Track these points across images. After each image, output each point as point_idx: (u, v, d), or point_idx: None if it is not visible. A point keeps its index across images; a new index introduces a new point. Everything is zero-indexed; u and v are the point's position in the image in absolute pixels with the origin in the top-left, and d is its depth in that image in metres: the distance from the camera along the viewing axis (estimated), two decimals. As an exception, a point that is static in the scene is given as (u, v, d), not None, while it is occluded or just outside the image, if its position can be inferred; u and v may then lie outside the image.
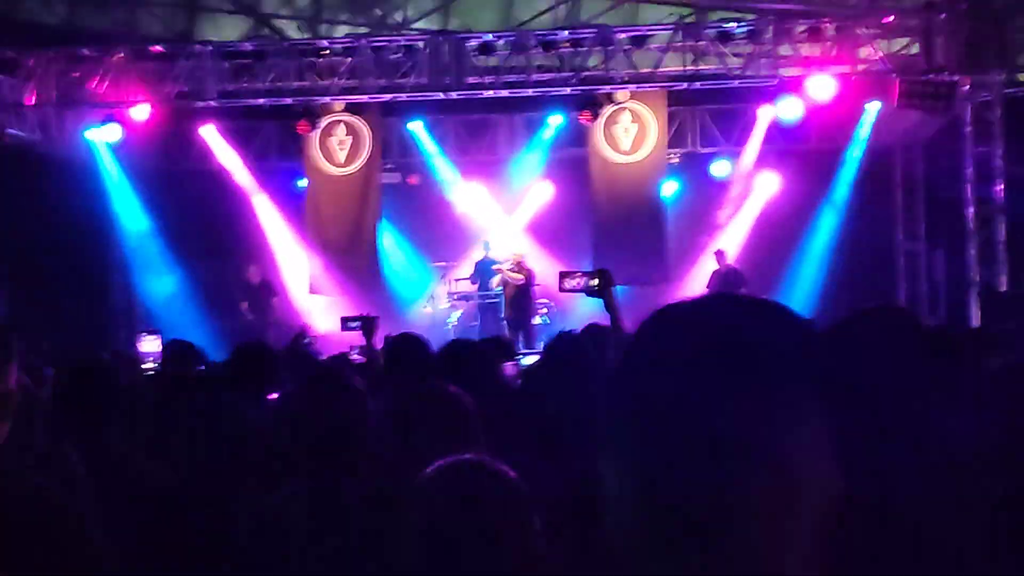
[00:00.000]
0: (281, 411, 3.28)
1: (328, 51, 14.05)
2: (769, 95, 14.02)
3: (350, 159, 15.16)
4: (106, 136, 14.41)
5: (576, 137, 15.37)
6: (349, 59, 13.83)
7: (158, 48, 14.10)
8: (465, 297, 15.91)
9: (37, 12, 15.70)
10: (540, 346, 10.71)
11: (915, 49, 13.21)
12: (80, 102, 14.03)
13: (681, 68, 13.61)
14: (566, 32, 13.73)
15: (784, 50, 13.27)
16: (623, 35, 13.55)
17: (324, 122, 14.96)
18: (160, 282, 15.91)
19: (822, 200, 15.70)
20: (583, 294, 4.94)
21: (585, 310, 10.84)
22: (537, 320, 15.17)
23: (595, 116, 14.44)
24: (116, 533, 2.13)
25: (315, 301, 15.34)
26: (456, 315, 15.87)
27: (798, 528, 0.98)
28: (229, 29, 16.23)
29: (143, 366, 8.91)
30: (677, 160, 15.92)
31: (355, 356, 7.85)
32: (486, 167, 16.36)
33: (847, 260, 15.30)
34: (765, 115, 14.91)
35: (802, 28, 13.19)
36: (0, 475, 1.92)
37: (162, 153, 15.93)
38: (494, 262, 15.36)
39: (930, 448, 1.97)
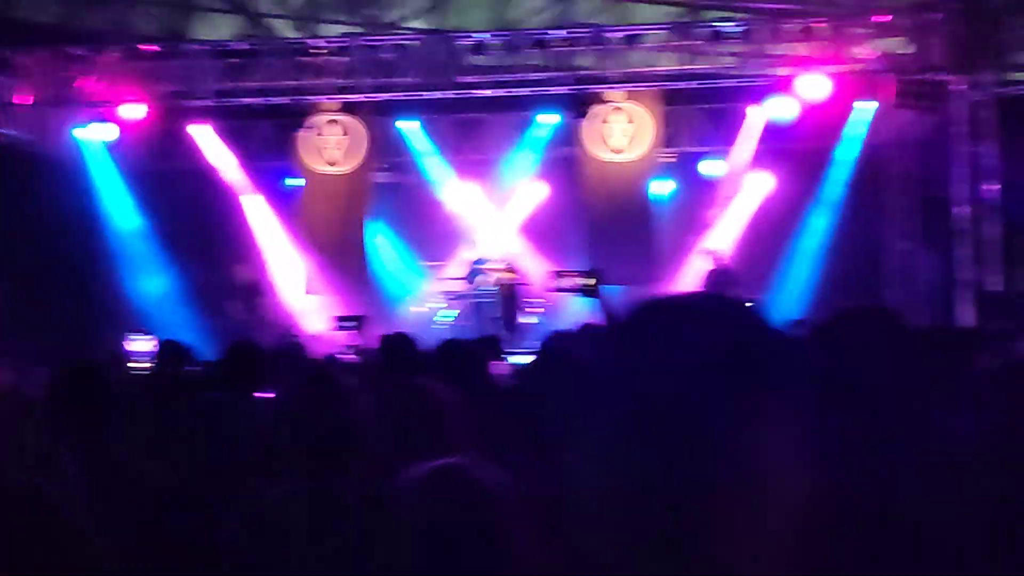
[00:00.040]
0: (280, 410, 3.28)
1: (322, 50, 14.02)
2: (763, 94, 14.02)
3: (344, 158, 15.14)
4: (99, 135, 14.37)
5: (569, 136, 15.34)
6: (343, 58, 13.81)
7: (151, 47, 14.07)
8: (457, 296, 15.90)
9: (30, 11, 15.66)
10: (532, 345, 10.71)
11: (909, 48, 13.23)
12: (73, 101, 13.99)
13: (675, 67, 13.62)
14: (560, 32, 13.73)
15: (778, 49, 13.28)
16: (616, 34, 13.56)
17: (317, 121, 14.93)
18: (150, 281, 15.84)
19: (815, 199, 15.70)
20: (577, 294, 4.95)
21: (578, 309, 10.84)
22: (530, 319, 15.15)
23: (588, 115, 14.43)
24: (115, 533, 2.12)
25: (307, 301, 15.30)
26: (448, 314, 15.85)
27: (766, 529, 0.99)
28: (223, 28, 16.20)
29: (129, 365, 8.92)
30: (674, 159, 15.91)
31: (347, 355, 7.87)
32: (479, 166, 16.34)
33: (839, 259, 15.30)
34: (758, 115, 14.91)
35: (796, 27, 13.20)
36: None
37: (154, 152, 15.85)
38: (485, 261, 15.35)
39: (929, 448, 1.97)
